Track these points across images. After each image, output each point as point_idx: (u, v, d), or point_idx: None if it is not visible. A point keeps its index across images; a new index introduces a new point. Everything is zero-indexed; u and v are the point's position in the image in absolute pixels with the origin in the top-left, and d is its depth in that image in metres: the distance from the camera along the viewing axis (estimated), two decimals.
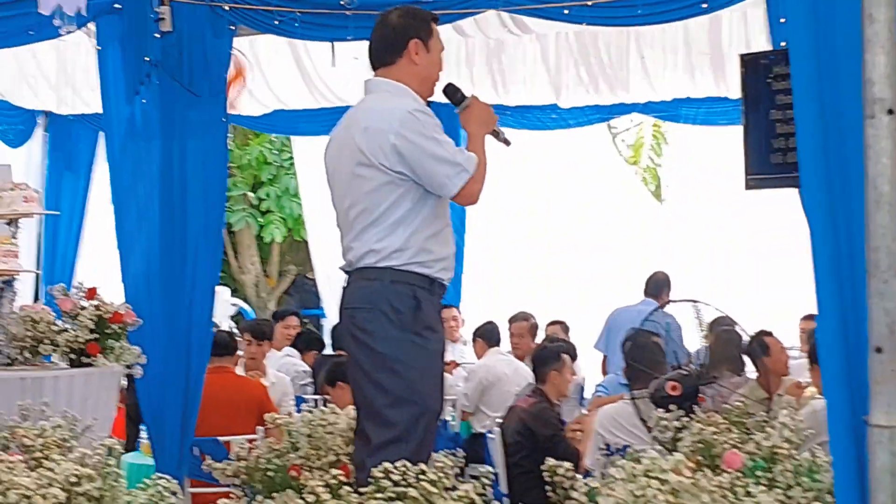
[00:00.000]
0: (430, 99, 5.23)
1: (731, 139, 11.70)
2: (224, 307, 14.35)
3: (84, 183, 11.78)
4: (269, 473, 5.56)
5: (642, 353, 7.42)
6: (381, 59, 5.19)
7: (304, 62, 10.60)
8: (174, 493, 4.21)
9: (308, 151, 12.96)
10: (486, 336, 10.40)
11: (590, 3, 7.20)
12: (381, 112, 5.00)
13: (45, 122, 11.94)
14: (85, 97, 10.77)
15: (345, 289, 5.20)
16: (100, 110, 10.67)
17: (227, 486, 5.73)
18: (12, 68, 10.50)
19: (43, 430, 5.64)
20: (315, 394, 9.47)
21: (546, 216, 12.95)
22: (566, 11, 7.28)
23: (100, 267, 11.44)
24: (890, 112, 2.42)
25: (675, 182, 13.90)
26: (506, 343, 10.83)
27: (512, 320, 11.04)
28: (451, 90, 5.28)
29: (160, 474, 4.51)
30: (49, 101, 11.21)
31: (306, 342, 10.84)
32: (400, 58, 5.11)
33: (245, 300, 17.28)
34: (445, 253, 5.06)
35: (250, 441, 6.47)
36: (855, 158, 2.46)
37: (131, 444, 8.51)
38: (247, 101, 11.08)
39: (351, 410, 5.54)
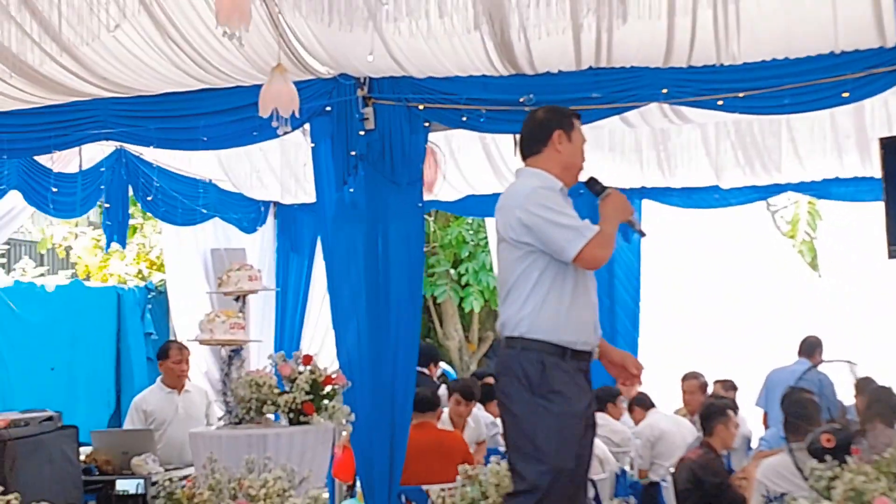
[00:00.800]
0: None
1: (878, 214, 11.42)
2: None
3: (308, 262, 11.95)
4: None
5: (799, 409, 7.20)
6: (529, 149, 5.25)
7: (492, 152, 10.64)
8: None
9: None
10: (640, 403, 10.28)
11: (741, 94, 7.07)
12: (513, 192, 5.08)
13: (274, 211, 12.20)
14: (306, 188, 10.99)
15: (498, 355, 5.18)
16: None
17: None
18: (245, 165, 10.79)
19: (266, 482, 5.71)
20: None
21: (715, 286, 12.71)
22: (720, 102, 7.16)
23: (322, 335, 11.66)
24: None
25: (829, 254, 13.45)
26: (678, 401, 10.66)
27: (684, 378, 10.87)
28: (591, 182, 5.29)
29: None
30: (276, 191, 11.45)
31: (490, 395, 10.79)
32: (545, 147, 5.16)
33: (450, 363, 17.33)
34: (577, 322, 4.97)
35: (447, 489, 6.45)
36: None
37: None
38: (445, 187, 11.19)
39: None
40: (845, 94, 6.89)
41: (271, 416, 6.96)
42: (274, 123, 6.56)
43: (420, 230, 7.66)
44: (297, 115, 6.57)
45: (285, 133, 6.73)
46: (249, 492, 5.73)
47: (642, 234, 5.41)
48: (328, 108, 7.47)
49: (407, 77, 7.37)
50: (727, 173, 10.81)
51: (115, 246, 13.34)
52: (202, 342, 7.35)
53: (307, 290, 11.90)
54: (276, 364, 7.03)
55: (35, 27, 6.46)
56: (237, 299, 7.32)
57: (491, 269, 16.25)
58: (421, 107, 7.46)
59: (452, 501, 5.62)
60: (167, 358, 8.91)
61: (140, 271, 15.16)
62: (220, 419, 7.46)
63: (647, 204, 12.06)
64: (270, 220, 12.24)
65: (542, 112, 5.33)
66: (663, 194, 11.81)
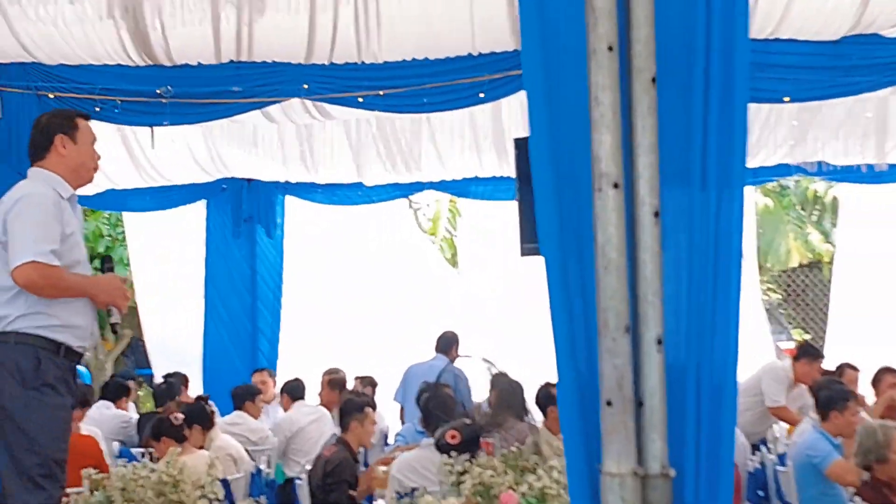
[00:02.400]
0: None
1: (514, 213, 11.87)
2: None
3: None
4: None
5: (436, 403, 7.35)
6: (35, 154, 5.13)
7: (132, 145, 10.36)
8: None
9: (138, 226, 12.73)
10: (291, 391, 10.27)
11: (382, 93, 7.17)
12: (15, 192, 4.95)
13: None
14: None
15: None
16: None
17: None
18: None
19: None
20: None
21: (357, 282, 12.83)
22: (360, 100, 7.23)
23: None
24: (615, 186, 2.36)
25: (468, 251, 13.83)
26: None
27: (323, 374, 10.89)
28: (105, 260, 5.52)
29: None
30: None
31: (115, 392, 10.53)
32: (48, 152, 5.07)
33: (84, 363, 16.75)
34: (74, 321, 4.91)
35: (74, 494, 6.20)
36: (587, 227, 2.39)
37: None
38: None
39: (169, 464, 5.37)
40: (481, 95, 7.11)
41: None
42: None
43: None
44: None
45: None
46: None
47: (113, 328, 5.43)
48: None
49: (36, 63, 7.04)
50: (370, 170, 10.93)
51: None
52: None
53: None
54: None
55: None
56: None
57: (129, 263, 15.84)
58: (52, 95, 7.14)
59: None
60: None
61: None
62: None
63: (290, 200, 12.08)
64: None
65: (46, 118, 5.25)
66: (306, 190, 11.86)
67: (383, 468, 7.95)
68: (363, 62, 6.98)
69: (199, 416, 8.14)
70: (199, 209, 11.97)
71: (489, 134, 10.37)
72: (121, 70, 7.09)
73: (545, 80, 2.43)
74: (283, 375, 11.38)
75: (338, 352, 12.08)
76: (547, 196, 2.47)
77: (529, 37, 2.48)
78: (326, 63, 7.02)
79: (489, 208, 12.28)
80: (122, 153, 10.46)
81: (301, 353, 12.24)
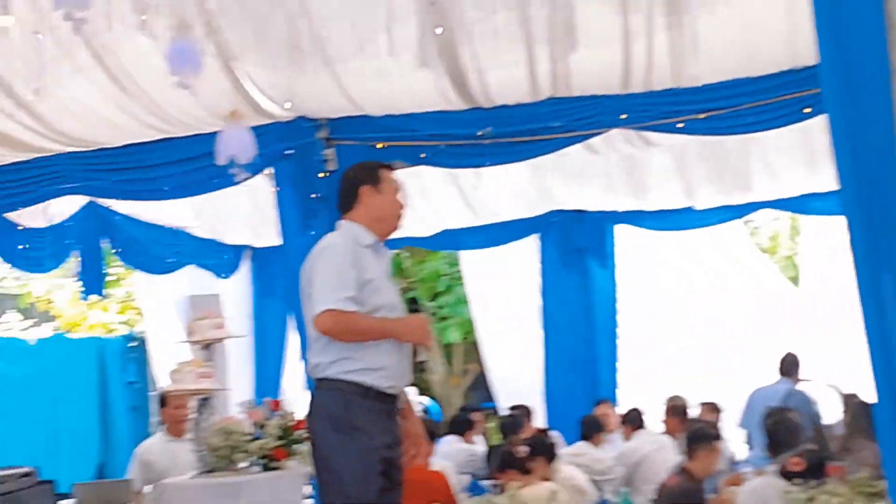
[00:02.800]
0: None
1: None
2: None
3: (285, 306, 11.84)
4: None
5: (781, 429, 7.16)
6: (342, 206, 5.39)
7: (463, 185, 10.63)
8: None
9: (473, 263, 13.03)
10: (632, 420, 10.22)
11: (702, 116, 7.07)
12: (317, 246, 5.22)
13: (249, 255, 12.13)
14: (278, 230, 10.94)
15: None
16: None
17: None
18: (217, 210, 10.74)
19: None
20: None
21: (690, 307, 12.65)
22: (680, 125, 7.15)
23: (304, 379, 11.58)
24: None
25: (810, 268, 13.32)
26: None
27: (666, 402, 10.81)
28: (410, 302, 5.48)
29: None
30: (248, 236, 11.40)
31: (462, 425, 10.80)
32: (356, 203, 5.32)
33: (433, 397, 17.27)
34: (382, 364, 5.07)
35: None
36: None
37: None
38: (416, 223, 11.17)
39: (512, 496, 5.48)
40: (807, 110, 6.87)
41: (245, 464, 6.87)
42: (232, 171, 6.52)
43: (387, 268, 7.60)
44: (251, 161, 6.52)
45: (244, 180, 6.68)
46: None
47: (420, 367, 5.49)
48: (289, 152, 7.44)
49: (364, 116, 7.35)
50: (701, 194, 10.77)
51: (95, 297, 13.33)
52: (169, 393, 7.28)
53: (284, 334, 11.73)
54: (245, 410, 6.96)
55: None
56: (205, 348, 7.26)
57: (466, 301, 16.25)
58: (380, 145, 7.43)
59: None
60: (166, 405, 8.81)
61: (129, 320, 15.10)
62: None
63: (619, 228, 12.04)
64: (246, 263, 12.16)
65: (352, 171, 5.49)
66: (637, 218, 11.79)
67: (733, 488, 7.82)
68: (681, 87, 6.90)
69: (542, 448, 8.23)
70: (530, 243, 12.13)
71: (825, 146, 9.98)
72: (442, 116, 7.29)
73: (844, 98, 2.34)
74: (624, 404, 11.36)
75: (678, 378, 11.95)
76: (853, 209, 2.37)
77: (828, 56, 2.40)
78: (643, 91, 6.98)
79: (831, 223, 11.81)
80: (454, 193, 10.75)
81: (641, 382, 12.17)
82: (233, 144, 6.45)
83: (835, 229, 11.79)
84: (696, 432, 7.92)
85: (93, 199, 9.70)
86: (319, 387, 5.13)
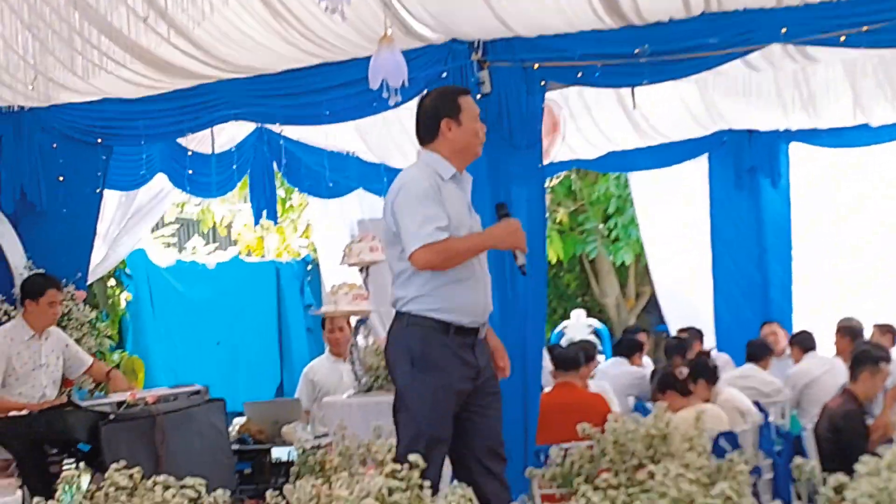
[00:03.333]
0: None
1: None
2: (581, 328, 14.40)
3: None
4: (583, 476, 5.53)
5: None
6: (422, 137, 5.38)
7: (628, 105, 10.53)
8: (470, 500, 4.18)
9: (643, 184, 12.91)
10: (801, 343, 10.06)
11: (865, 29, 6.83)
12: (398, 179, 5.25)
13: None
14: None
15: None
16: None
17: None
18: (384, 135, 10.88)
19: (391, 447, 5.79)
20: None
21: (866, 227, 12.28)
22: (843, 38, 6.92)
23: None
24: None
25: None
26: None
27: (838, 325, 10.60)
28: (498, 207, 5.42)
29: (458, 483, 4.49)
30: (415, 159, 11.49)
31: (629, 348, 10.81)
32: (436, 136, 5.29)
33: (608, 321, 17.24)
34: (463, 301, 5.17)
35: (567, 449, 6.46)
36: None
37: None
38: (584, 145, 11.13)
39: (665, 417, 5.50)
40: None
41: None
42: (385, 94, 6.60)
43: (541, 192, 7.62)
44: (406, 84, 6.57)
45: (397, 103, 6.74)
46: (377, 457, 5.81)
47: (523, 273, 5.40)
48: (444, 75, 7.45)
49: (519, 37, 7.32)
50: (875, 110, 10.45)
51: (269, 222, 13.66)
52: (327, 314, 7.46)
53: None
54: None
55: (146, 9, 6.62)
56: (361, 270, 7.41)
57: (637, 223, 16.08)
58: (536, 66, 7.40)
59: (571, 459, 5.61)
60: (323, 328, 9.08)
61: (308, 245, 15.43)
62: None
63: (794, 147, 11.78)
64: None
65: (430, 101, 5.42)
66: (811, 136, 11.53)
67: None
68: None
69: (703, 370, 8.20)
70: (700, 164, 11.96)
71: None
72: (597, 35, 7.23)
73: None
74: (798, 326, 11.19)
75: (853, 300, 11.69)
76: None
77: None
78: (801, 4, 6.78)
79: None
80: (621, 115, 10.67)
81: (815, 304, 11.94)
82: (385, 68, 6.50)
83: None
84: (861, 354, 7.77)
85: (261, 124, 9.98)
86: (399, 320, 5.23)
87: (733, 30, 7.02)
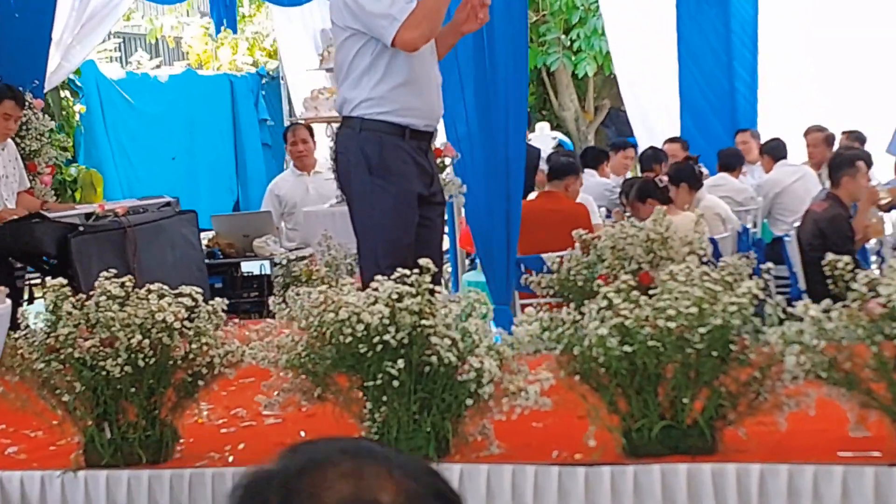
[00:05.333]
0: None
1: None
2: (546, 140, 14.17)
3: None
4: (579, 283, 5.39)
5: None
6: None
7: None
8: (483, 304, 4.03)
9: None
10: (772, 151, 9.94)
11: None
12: None
13: None
14: None
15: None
16: None
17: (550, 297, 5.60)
18: None
19: None
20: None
21: (833, 34, 12.04)
22: None
23: None
24: None
25: None
26: (803, 154, 10.34)
27: (807, 132, 10.51)
28: None
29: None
30: None
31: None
32: None
33: (567, 134, 17.03)
34: (418, 103, 4.93)
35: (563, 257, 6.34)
36: None
37: None
38: None
39: (656, 221, 5.33)
40: None
41: None
42: None
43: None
44: None
45: None
46: None
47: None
48: None
49: None
50: None
51: (227, 34, 13.22)
52: (307, 120, 7.18)
53: None
54: None
55: None
56: None
57: (604, 34, 15.68)
58: None
59: (568, 266, 5.45)
60: (286, 142, 8.83)
61: (255, 61, 15.02)
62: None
63: None
64: None
65: None
66: None
67: (879, 214, 7.60)
68: None
69: (687, 175, 8.06)
70: None
71: None
72: None
73: None
74: (764, 134, 11.07)
75: (820, 108, 11.55)
76: None
77: None
78: None
79: None
80: None
81: (782, 111, 11.80)
82: None
83: None
84: (838, 157, 7.65)
85: None
86: (350, 125, 4.97)
87: None
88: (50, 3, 8.44)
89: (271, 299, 4.21)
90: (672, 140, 11.06)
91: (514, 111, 7.11)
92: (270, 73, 14.71)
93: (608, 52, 15.67)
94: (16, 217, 6.78)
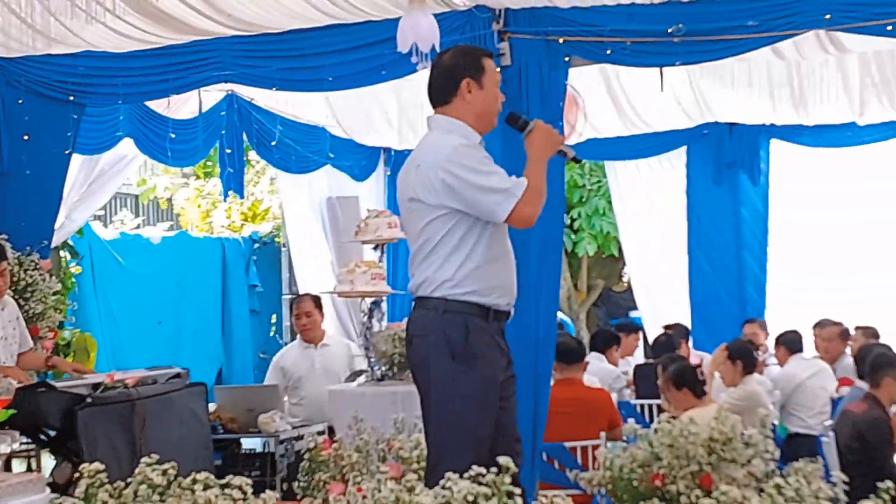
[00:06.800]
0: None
1: None
2: None
3: None
4: (634, 483, 5.09)
5: None
6: (438, 99, 4.87)
7: (616, 92, 10.16)
8: None
9: (620, 174, 12.54)
10: (789, 344, 9.74)
11: None
12: (429, 149, 4.74)
13: (384, 157, 11.80)
14: (420, 133, 10.58)
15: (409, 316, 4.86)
16: None
17: (577, 488, 5.32)
18: (357, 110, 10.40)
19: (418, 443, 5.32)
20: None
21: (845, 228, 12.07)
22: (889, 28, 6.57)
23: None
24: None
25: None
26: (810, 348, 10.14)
27: (821, 325, 10.33)
28: (512, 118, 4.95)
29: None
30: (388, 137, 11.05)
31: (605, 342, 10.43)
32: (454, 97, 4.79)
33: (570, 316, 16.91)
34: (500, 281, 4.76)
35: (594, 448, 6.05)
36: None
37: None
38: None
39: (711, 419, 5.07)
40: None
41: None
42: (413, 59, 6.11)
43: (560, 173, 7.15)
44: (437, 49, 6.08)
45: (424, 69, 6.23)
46: (401, 453, 5.32)
47: (578, 161, 5.04)
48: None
49: (548, 8, 6.85)
50: (867, 109, 10.16)
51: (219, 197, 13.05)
52: (341, 294, 6.92)
53: None
54: None
55: None
56: (376, 248, 6.88)
57: (604, 214, 15.70)
58: (561, 40, 6.93)
59: (621, 464, 5.15)
60: (291, 314, 8.57)
61: (273, 220, 14.86)
62: (351, 374, 7.03)
63: (775, 144, 11.49)
64: (381, 167, 11.83)
65: (449, 57, 4.92)
66: (792, 133, 11.24)
67: None
68: None
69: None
70: (680, 155, 11.65)
71: None
72: (631, 9, 6.80)
73: None
74: (771, 325, 10.93)
75: (831, 301, 11.45)
76: None
77: None
78: None
79: None
80: (607, 101, 10.28)
81: (790, 303, 11.69)
82: (416, 30, 6.02)
83: None
84: (880, 357, 7.43)
85: (233, 90, 9.41)
86: (430, 307, 4.68)
87: (775, 13, 6.64)
88: (64, 162, 8.22)
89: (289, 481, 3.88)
90: (669, 326, 10.90)
91: (545, 290, 6.90)
92: (263, 238, 14.53)
93: (608, 233, 15.75)
94: (21, 384, 6.41)
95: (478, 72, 4.83)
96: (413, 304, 4.82)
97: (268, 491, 3.96)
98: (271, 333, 14.42)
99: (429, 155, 4.73)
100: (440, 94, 4.86)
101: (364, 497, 3.72)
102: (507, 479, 3.70)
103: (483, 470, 3.77)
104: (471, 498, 3.61)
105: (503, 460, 3.77)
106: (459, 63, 4.85)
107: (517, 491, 3.75)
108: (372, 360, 6.58)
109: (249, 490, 3.89)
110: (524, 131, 4.89)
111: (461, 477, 3.75)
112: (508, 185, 4.61)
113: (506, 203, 4.57)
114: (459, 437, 4.61)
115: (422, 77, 7.90)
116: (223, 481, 3.89)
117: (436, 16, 6.68)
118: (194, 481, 3.86)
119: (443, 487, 3.70)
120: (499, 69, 6.70)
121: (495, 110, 4.91)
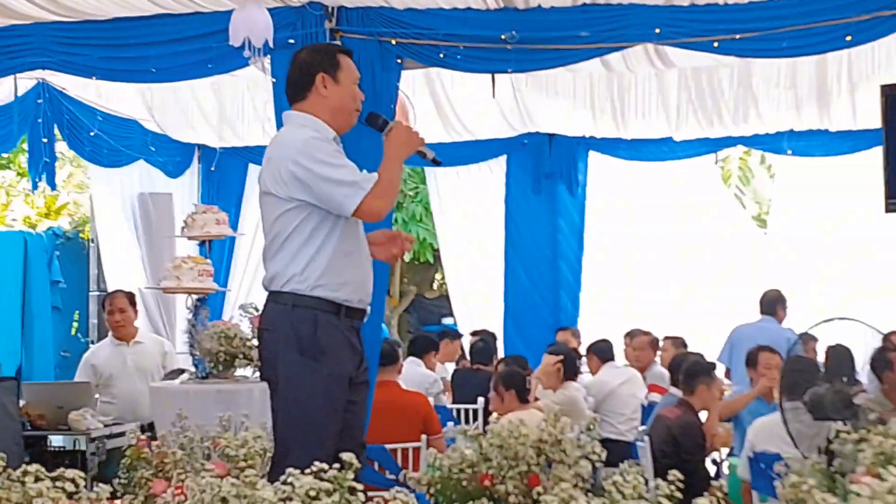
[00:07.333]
0: None
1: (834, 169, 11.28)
2: None
3: (235, 210, 11.38)
4: (463, 483, 5.18)
5: (798, 368, 6.99)
6: (294, 94, 4.91)
7: (441, 99, 10.27)
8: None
9: (439, 180, 12.65)
10: (601, 353, 10.00)
11: (738, 36, 6.79)
12: (282, 142, 4.79)
13: (199, 155, 11.67)
14: (238, 131, 10.53)
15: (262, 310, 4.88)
16: (251, 143, 10.49)
17: (393, 487, 5.39)
18: (172, 105, 10.27)
19: (245, 441, 5.31)
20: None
21: (658, 241, 12.49)
22: (716, 44, 6.86)
23: (249, 285, 11.22)
24: None
25: (780, 209, 13.09)
26: (620, 357, 10.46)
27: (632, 335, 10.66)
28: (372, 118, 5.01)
29: None
30: (204, 134, 10.94)
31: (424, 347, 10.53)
32: (309, 92, 4.83)
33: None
34: (352, 277, 4.78)
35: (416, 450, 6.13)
36: None
37: None
38: None
39: (541, 420, 5.21)
40: (848, 38, 6.62)
41: (243, 372, 6.48)
42: (246, 53, 6.10)
43: None
44: (270, 44, 6.08)
45: (254, 63, 6.23)
46: (227, 452, 5.30)
47: (437, 163, 5.17)
48: (291, 41, 6.91)
49: (382, 8, 6.91)
50: (683, 125, 10.52)
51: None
52: (166, 290, 6.84)
53: (233, 239, 11.16)
54: (248, 315, 6.54)
55: None
56: (202, 244, 6.82)
57: (421, 220, 15.82)
58: (394, 42, 7.01)
59: (450, 465, 5.23)
60: (104, 310, 8.39)
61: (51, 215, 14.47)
62: (172, 372, 6.95)
63: (593, 156, 11.79)
64: (195, 164, 11.70)
65: (305, 53, 5.00)
66: (610, 146, 11.55)
67: (727, 424, 7.73)
68: (725, 3, 6.60)
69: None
70: (500, 163, 11.85)
71: (813, 84, 9.75)
72: (466, 14, 6.91)
73: None
74: (584, 334, 11.21)
75: (641, 311, 11.83)
76: None
77: None
78: (687, 4, 6.67)
79: (804, 164, 11.68)
80: (431, 107, 10.37)
81: (603, 313, 12.03)
82: (248, 24, 6.01)
83: (810, 170, 11.71)
84: (695, 366, 7.75)
85: (45, 78, 9.18)
86: (280, 301, 4.70)
87: (607, 24, 6.85)
88: None
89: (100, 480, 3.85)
90: (478, 332, 11.09)
91: (375, 293, 6.93)
92: (67, 233, 14.16)
93: (424, 239, 15.87)
94: None
95: (333, 67, 4.84)
96: (266, 298, 4.80)
97: (101, 485, 3.90)
98: (73, 332, 14.06)
99: (280, 148, 4.73)
100: (296, 90, 4.87)
101: (203, 491, 3.69)
102: (350, 476, 3.73)
103: (325, 466, 3.80)
104: (313, 493, 3.63)
105: (346, 456, 3.81)
106: (315, 58, 4.87)
107: (359, 487, 3.79)
108: (196, 357, 6.53)
109: (82, 483, 3.83)
110: (384, 131, 4.90)
111: (304, 472, 3.77)
112: (358, 178, 4.62)
113: (354, 196, 4.57)
114: (305, 432, 4.61)
115: (245, 74, 7.95)
116: (54, 474, 3.82)
117: (268, 10, 6.69)
118: (25, 473, 3.78)
119: (284, 483, 3.72)
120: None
121: (353, 107, 4.90)
